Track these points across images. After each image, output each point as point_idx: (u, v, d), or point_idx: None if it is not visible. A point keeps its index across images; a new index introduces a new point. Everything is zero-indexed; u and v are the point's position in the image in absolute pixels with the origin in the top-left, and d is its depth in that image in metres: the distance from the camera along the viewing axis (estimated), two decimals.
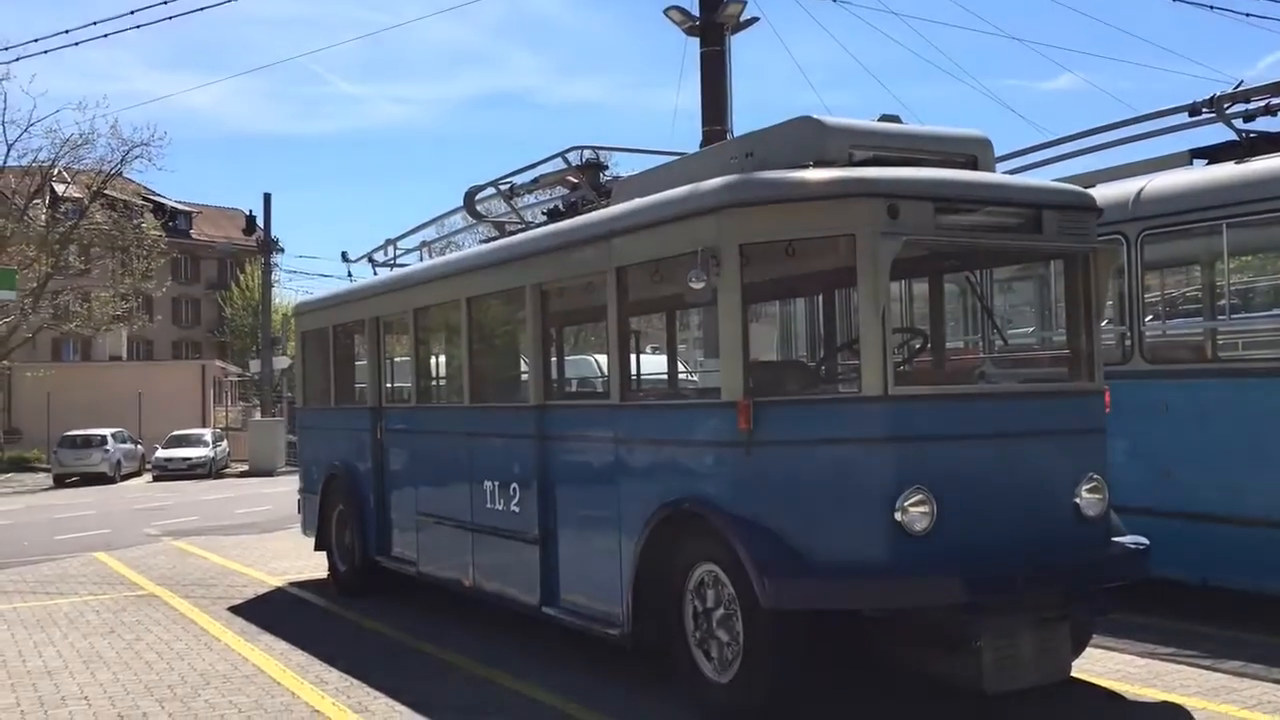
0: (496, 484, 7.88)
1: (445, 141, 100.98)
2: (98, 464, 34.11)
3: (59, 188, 44.63)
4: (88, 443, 34.58)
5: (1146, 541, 6.19)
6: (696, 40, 14.52)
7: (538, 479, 7.35)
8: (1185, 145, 8.71)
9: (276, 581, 11.53)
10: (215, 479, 33.70)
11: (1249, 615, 7.78)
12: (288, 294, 52.60)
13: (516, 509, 7.61)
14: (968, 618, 5.40)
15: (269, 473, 33.86)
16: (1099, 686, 6.45)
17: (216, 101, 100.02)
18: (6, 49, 34.66)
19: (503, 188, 10.03)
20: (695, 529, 5.96)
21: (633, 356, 7.63)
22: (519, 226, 10.04)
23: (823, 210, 5.64)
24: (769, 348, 11.70)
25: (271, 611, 9.85)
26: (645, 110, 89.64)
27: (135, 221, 45.84)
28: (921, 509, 5.36)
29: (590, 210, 8.16)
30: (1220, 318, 8.72)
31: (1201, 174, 8.23)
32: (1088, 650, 6.55)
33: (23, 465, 40.71)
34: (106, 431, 35.35)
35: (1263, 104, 8.14)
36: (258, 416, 40.37)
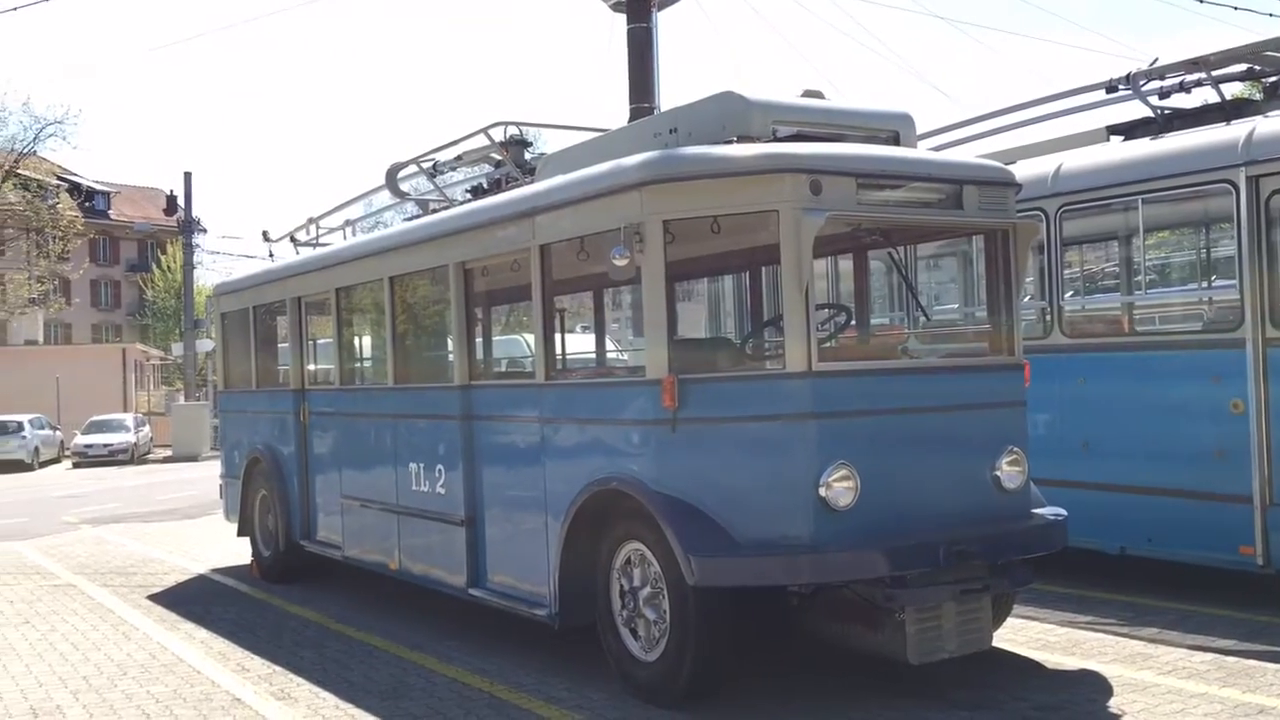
0: (422, 465, 7.78)
1: (374, 115, 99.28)
2: (14, 451, 33.07)
3: None
4: (4, 429, 33.47)
5: (1065, 513, 6.30)
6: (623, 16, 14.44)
7: (464, 460, 7.27)
8: (1102, 122, 8.85)
9: (198, 568, 11.31)
10: (137, 465, 32.93)
11: (1163, 583, 7.97)
12: (211, 275, 51.43)
13: (443, 490, 7.53)
14: (891, 591, 5.45)
15: (193, 458, 33.23)
16: (1020, 656, 6.56)
17: (138, 77, 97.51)
18: None
19: (425, 165, 9.89)
20: (621, 508, 5.93)
21: (559, 335, 7.57)
22: (442, 204, 9.91)
23: (746, 186, 5.62)
24: (695, 325, 11.70)
25: (193, 599, 9.66)
26: (575, 86, 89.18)
27: (50, 202, 44.53)
28: (846, 484, 5.39)
29: (514, 187, 8.06)
30: (1137, 292, 8.89)
31: (1118, 150, 8.35)
32: (1009, 620, 6.66)
33: None
34: (23, 418, 34.28)
35: (1176, 81, 8.29)
36: (181, 401, 39.52)
